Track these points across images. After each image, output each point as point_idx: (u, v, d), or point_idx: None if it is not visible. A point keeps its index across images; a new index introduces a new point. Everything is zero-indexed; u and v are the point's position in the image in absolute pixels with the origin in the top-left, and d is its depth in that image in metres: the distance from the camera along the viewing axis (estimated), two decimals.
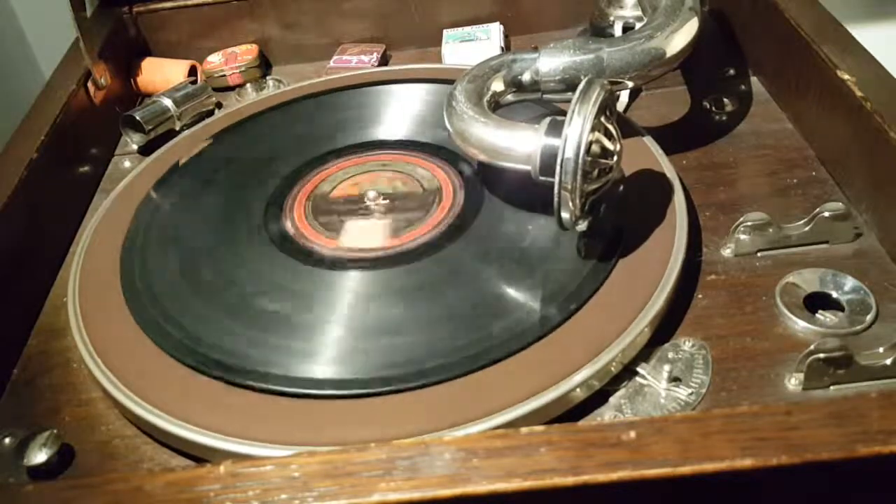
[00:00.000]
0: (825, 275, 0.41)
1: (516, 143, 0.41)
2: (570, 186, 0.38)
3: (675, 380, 0.37)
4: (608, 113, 0.40)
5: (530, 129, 0.41)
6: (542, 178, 0.40)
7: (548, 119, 0.41)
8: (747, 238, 0.43)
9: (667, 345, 0.39)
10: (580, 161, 0.37)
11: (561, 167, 0.37)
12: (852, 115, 0.45)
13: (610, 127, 0.40)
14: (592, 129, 0.38)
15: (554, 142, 0.39)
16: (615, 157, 0.40)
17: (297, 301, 0.42)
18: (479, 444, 0.28)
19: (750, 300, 0.41)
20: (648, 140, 0.50)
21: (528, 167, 0.41)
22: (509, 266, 0.43)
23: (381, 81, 0.59)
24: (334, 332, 0.40)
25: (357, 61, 0.66)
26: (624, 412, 0.36)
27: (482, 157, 0.44)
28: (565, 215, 0.39)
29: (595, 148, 0.39)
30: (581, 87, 0.39)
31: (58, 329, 0.45)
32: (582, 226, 0.40)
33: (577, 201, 0.38)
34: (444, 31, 0.67)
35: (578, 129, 0.37)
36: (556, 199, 0.38)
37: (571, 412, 0.36)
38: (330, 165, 0.52)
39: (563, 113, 0.38)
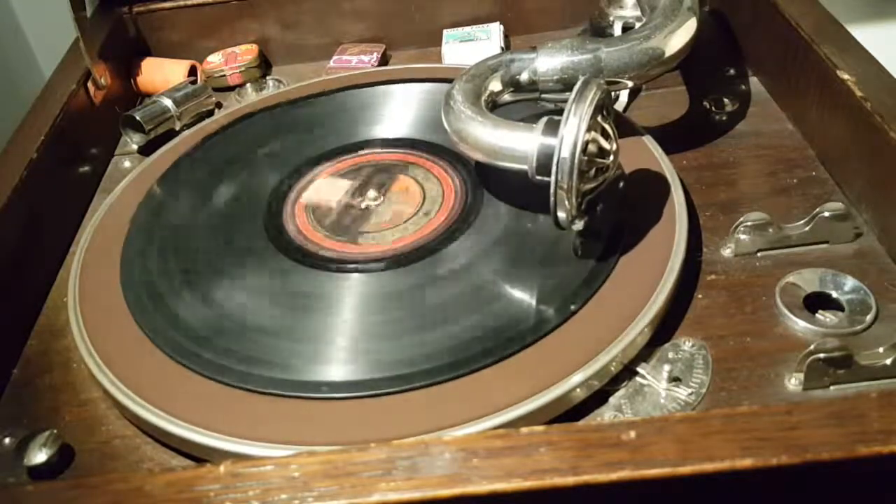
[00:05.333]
0: (825, 275, 0.41)
1: (513, 143, 0.41)
2: (566, 186, 0.38)
3: (675, 380, 0.37)
4: (605, 112, 0.40)
5: (527, 129, 0.41)
6: (538, 177, 0.40)
7: (544, 119, 0.41)
8: (747, 238, 0.43)
9: (667, 345, 0.39)
10: (576, 160, 0.37)
11: (557, 167, 0.37)
12: (852, 115, 0.45)
13: (606, 126, 0.40)
14: (589, 129, 0.38)
15: (550, 141, 0.39)
16: (612, 157, 0.40)
17: (297, 302, 0.42)
18: (479, 444, 0.28)
19: (750, 300, 0.41)
20: (648, 140, 0.50)
21: (525, 167, 0.41)
22: (509, 266, 0.43)
23: (381, 81, 0.59)
24: (334, 334, 0.40)
25: (357, 61, 0.66)
26: (624, 412, 0.36)
27: (479, 157, 0.44)
28: (561, 215, 0.39)
29: (591, 147, 0.39)
30: (577, 86, 0.39)
31: (58, 329, 0.45)
32: (578, 225, 0.40)
33: (574, 201, 0.38)
34: (444, 31, 0.67)
35: (574, 129, 0.37)
36: (552, 198, 0.38)
37: (571, 412, 0.36)
38: (330, 164, 0.52)
39: (562, 113, 0.38)
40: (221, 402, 0.37)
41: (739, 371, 0.38)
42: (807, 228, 0.43)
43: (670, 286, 0.39)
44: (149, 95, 0.65)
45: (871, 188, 0.44)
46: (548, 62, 0.46)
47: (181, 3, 0.68)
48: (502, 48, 0.65)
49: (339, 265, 0.44)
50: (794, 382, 0.36)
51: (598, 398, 0.37)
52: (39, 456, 0.36)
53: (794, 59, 0.52)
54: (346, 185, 0.50)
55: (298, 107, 0.58)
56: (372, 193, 0.49)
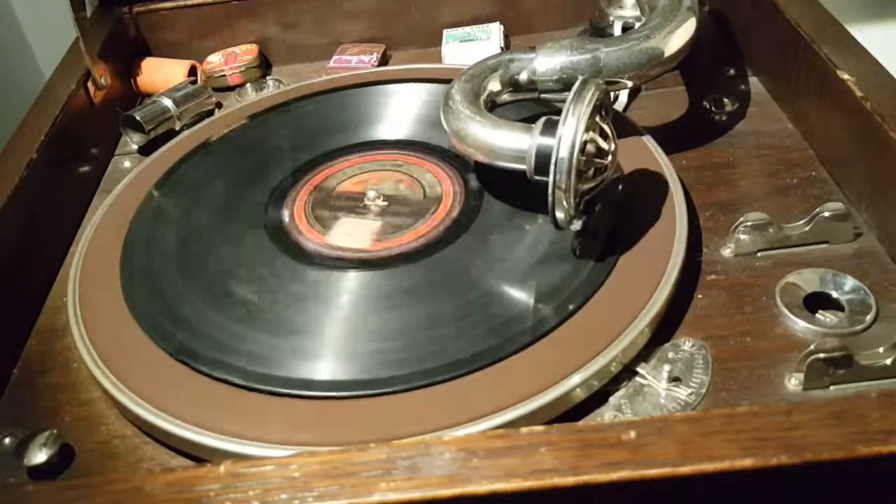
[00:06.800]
0: (825, 275, 0.41)
1: (512, 143, 0.41)
2: (564, 186, 0.38)
3: (675, 380, 0.37)
4: (603, 112, 0.40)
5: (525, 129, 0.41)
6: (536, 177, 0.40)
7: (543, 118, 0.41)
8: (747, 238, 0.43)
9: (667, 345, 0.39)
10: (574, 160, 0.37)
11: (555, 167, 0.37)
12: (852, 115, 0.45)
13: (605, 126, 0.40)
14: (587, 129, 0.38)
15: (548, 141, 0.39)
16: (610, 157, 0.40)
17: (299, 302, 0.42)
18: (479, 444, 0.28)
19: (750, 300, 0.41)
20: (648, 140, 0.50)
21: (523, 167, 0.41)
22: (509, 266, 0.43)
23: (381, 81, 0.59)
24: (335, 333, 0.40)
25: (357, 61, 0.66)
26: (624, 412, 0.36)
27: (478, 157, 0.44)
28: (560, 214, 0.39)
29: (590, 147, 0.39)
30: (576, 86, 0.39)
31: (58, 329, 0.45)
32: (576, 225, 0.40)
33: (572, 200, 0.38)
34: (444, 31, 0.67)
35: (573, 129, 0.37)
36: (550, 198, 0.38)
37: (571, 412, 0.36)
38: (330, 165, 0.52)
39: (560, 113, 0.38)
40: (221, 402, 0.37)
41: (739, 371, 0.38)
42: (807, 228, 0.43)
43: (670, 286, 0.39)
44: (149, 95, 0.65)
45: (871, 188, 0.44)
46: (547, 62, 0.46)
47: (181, 3, 0.68)
48: (502, 48, 0.65)
49: (339, 265, 0.44)
50: (794, 382, 0.36)
51: (598, 398, 0.37)
52: (39, 456, 0.36)
53: (794, 59, 0.52)
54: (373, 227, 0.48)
55: (298, 107, 0.58)
56: (372, 193, 0.49)
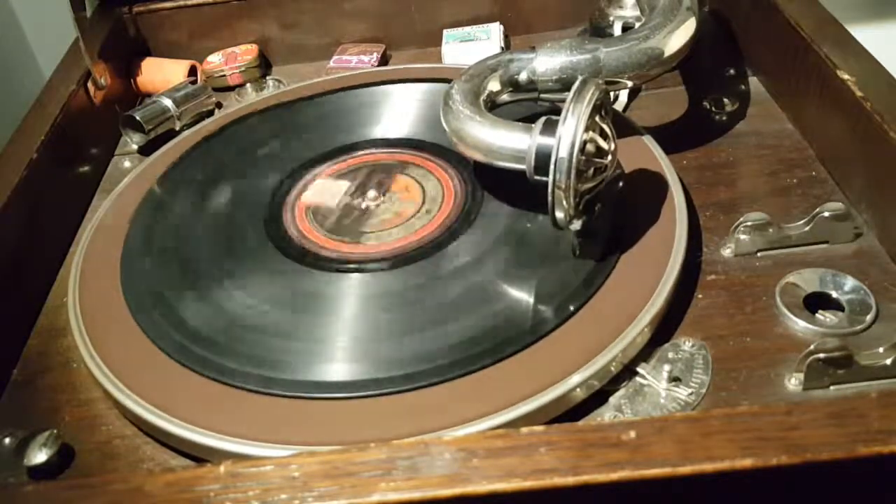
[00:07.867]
0: (825, 275, 0.41)
1: (511, 143, 0.41)
2: (563, 185, 0.38)
3: (675, 380, 0.37)
4: (603, 112, 0.40)
5: (525, 129, 0.41)
6: (536, 177, 0.40)
7: (543, 118, 0.41)
8: (747, 238, 0.43)
9: (667, 345, 0.39)
10: (574, 160, 0.37)
11: (555, 166, 0.37)
12: (852, 115, 0.45)
13: (605, 126, 0.40)
14: (587, 129, 0.38)
15: (548, 141, 0.39)
16: (610, 157, 0.40)
17: (297, 302, 0.42)
18: (479, 444, 0.28)
19: (750, 300, 0.41)
20: (648, 140, 0.50)
21: (523, 167, 0.41)
22: (509, 266, 0.43)
23: (381, 81, 0.59)
24: (334, 334, 0.40)
25: (357, 61, 0.66)
26: (624, 412, 0.36)
27: (478, 157, 0.44)
28: (559, 214, 0.39)
29: (589, 147, 0.39)
30: (576, 86, 0.39)
31: (58, 329, 0.45)
32: (576, 225, 0.40)
33: (572, 200, 0.38)
34: (444, 31, 0.67)
35: (572, 129, 0.37)
36: (550, 198, 0.38)
37: (571, 412, 0.36)
38: (331, 165, 0.52)
39: (560, 112, 0.38)
40: (221, 402, 0.37)
41: (739, 371, 0.37)
42: (807, 228, 0.43)
43: (670, 286, 0.39)
44: (149, 95, 0.65)
45: (871, 188, 0.44)
46: (546, 62, 0.46)
47: (181, 3, 0.68)
48: (502, 48, 0.65)
49: (338, 265, 0.44)
50: (794, 382, 0.36)
51: (598, 398, 0.37)
52: (39, 456, 0.36)
53: (794, 59, 0.52)
54: (345, 185, 0.50)
55: (298, 107, 0.58)
56: (372, 193, 0.49)
